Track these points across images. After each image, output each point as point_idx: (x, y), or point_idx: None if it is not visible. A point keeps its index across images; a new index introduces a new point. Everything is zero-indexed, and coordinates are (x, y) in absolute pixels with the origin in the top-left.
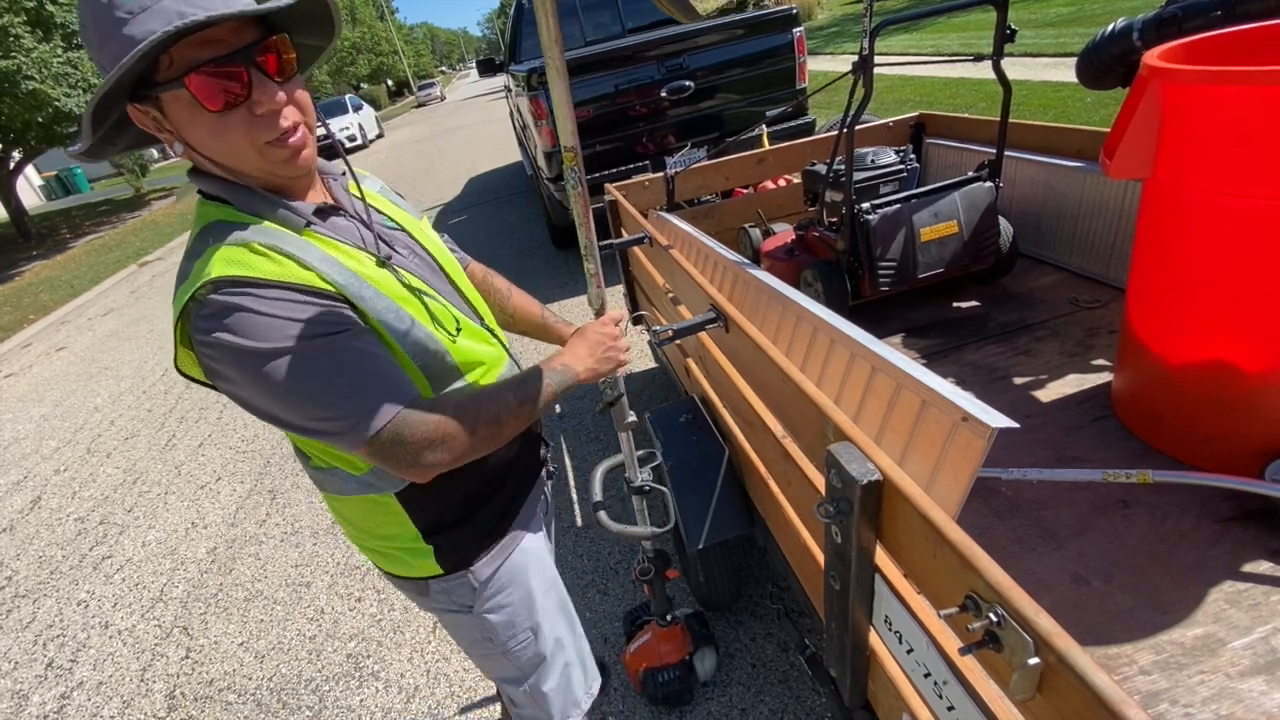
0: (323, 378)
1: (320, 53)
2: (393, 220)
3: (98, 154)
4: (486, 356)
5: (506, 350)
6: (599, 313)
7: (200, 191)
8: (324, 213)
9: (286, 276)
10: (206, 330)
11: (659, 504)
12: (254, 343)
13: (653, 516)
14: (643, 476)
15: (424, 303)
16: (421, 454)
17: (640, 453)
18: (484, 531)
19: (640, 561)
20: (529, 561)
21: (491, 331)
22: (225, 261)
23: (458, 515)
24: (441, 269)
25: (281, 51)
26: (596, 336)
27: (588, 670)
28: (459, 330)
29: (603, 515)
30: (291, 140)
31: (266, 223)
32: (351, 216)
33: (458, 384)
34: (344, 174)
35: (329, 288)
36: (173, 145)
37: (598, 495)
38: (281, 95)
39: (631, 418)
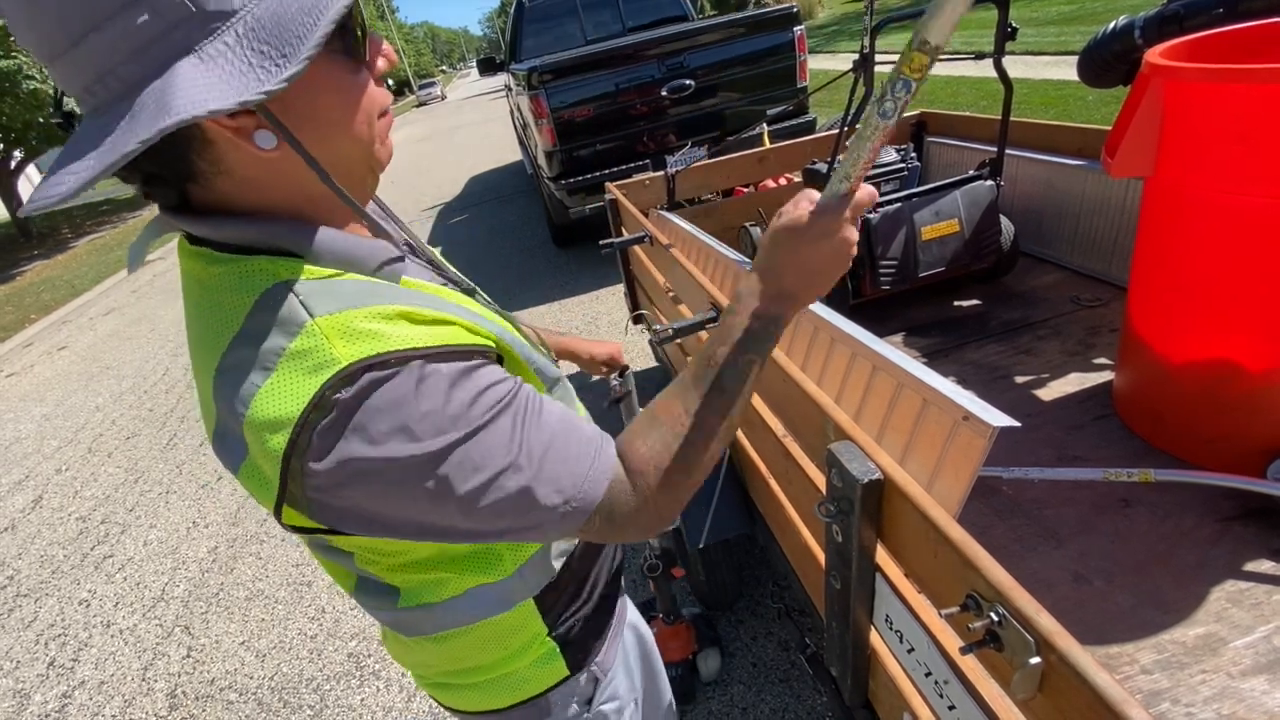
0: (540, 456)
1: None
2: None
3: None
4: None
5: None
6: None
7: (212, 243)
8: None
9: (438, 340)
10: (344, 441)
11: None
12: (433, 442)
13: None
14: None
15: (527, 338)
16: (650, 504)
17: None
18: (604, 607)
19: (648, 558)
20: (632, 630)
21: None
22: (350, 337)
23: (581, 593)
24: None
25: None
26: (812, 234)
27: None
28: (558, 364)
29: None
30: (386, 118)
31: (354, 275)
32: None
33: None
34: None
35: (485, 341)
36: (253, 140)
37: None
38: (392, 52)
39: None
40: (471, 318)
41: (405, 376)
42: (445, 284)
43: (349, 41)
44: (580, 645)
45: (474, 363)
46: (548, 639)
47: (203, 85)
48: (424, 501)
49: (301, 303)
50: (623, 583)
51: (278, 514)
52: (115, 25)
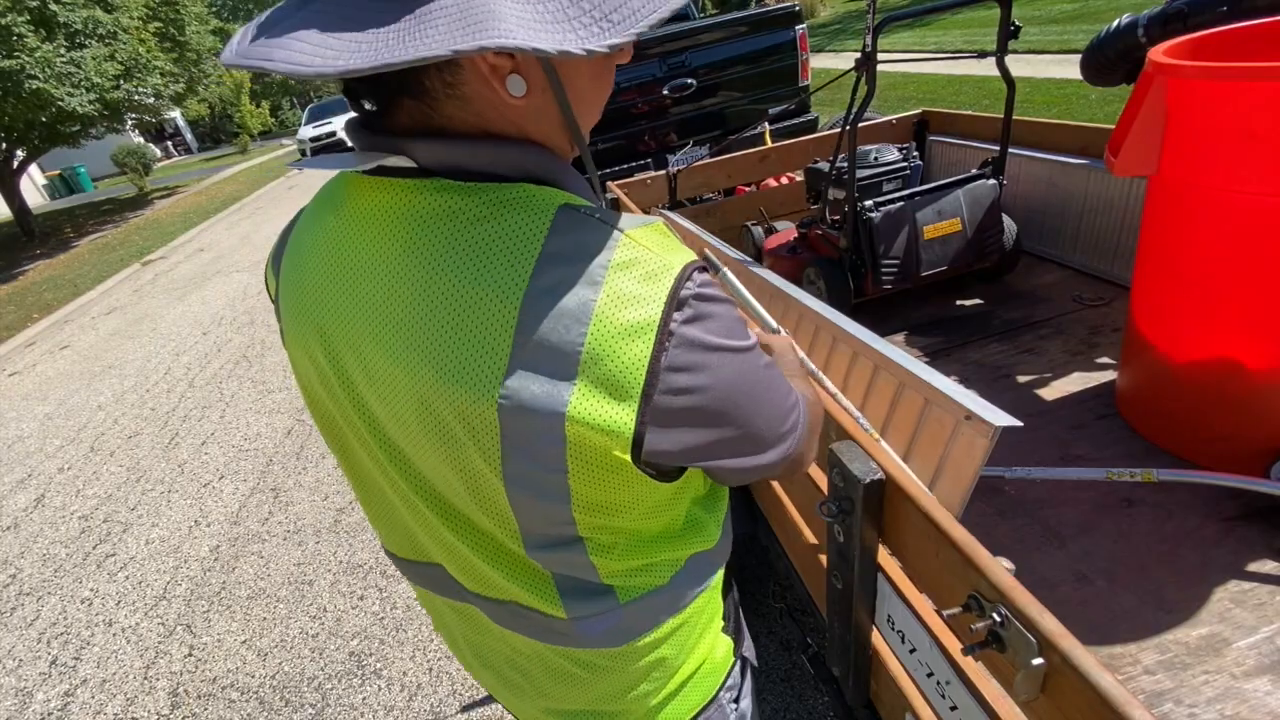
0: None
1: None
2: None
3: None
4: None
5: None
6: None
7: (440, 173)
8: None
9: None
10: (701, 334)
11: None
12: (741, 341)
13: None
14: None
15: None
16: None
17: None
18: (728, 587)
19: None
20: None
21: None
22: (665, 246)
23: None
24: None
25: None
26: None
27: None
28: None
29: None
30: None
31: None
32: None
33: None
34: None
35: None
36: (504, 83)
37: None
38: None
39: None
40: None
41: (708, 283)
42: None
43: None
44: (735, 628)
45: None
46: (720, 619)
47: (515, 19)
48: (749, 402)
49: (603, 220)
50: None
51: (636, 449)
52: None
